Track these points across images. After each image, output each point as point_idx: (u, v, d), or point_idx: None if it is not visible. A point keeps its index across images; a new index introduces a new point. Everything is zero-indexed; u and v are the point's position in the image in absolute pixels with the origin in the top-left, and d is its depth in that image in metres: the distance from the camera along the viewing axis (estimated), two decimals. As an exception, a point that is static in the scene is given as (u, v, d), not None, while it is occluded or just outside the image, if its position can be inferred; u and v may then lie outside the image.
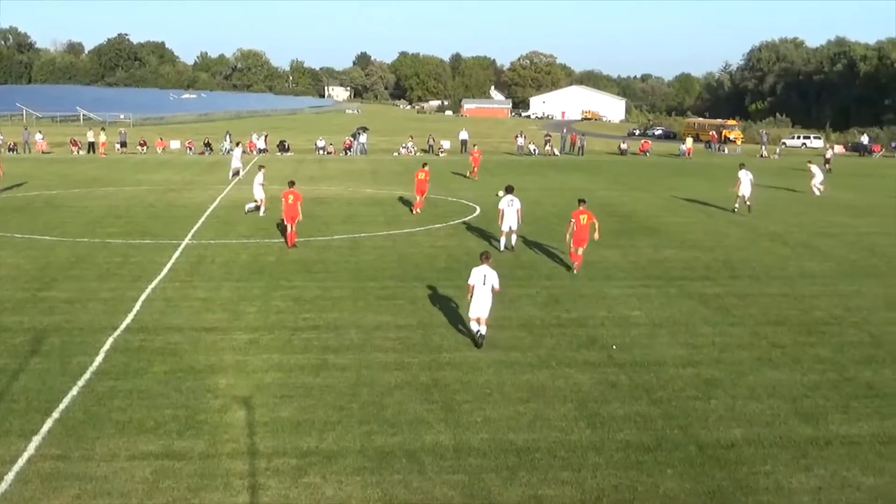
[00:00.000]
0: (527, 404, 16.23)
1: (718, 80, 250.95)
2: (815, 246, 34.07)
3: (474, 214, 40.88)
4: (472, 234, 35.03)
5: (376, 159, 77.86)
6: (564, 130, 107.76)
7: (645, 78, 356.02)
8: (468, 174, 59.95)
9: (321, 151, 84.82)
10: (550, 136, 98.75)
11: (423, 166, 42.86)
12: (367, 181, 57.21)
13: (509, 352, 19.43)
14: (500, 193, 33.53)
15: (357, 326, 21.26)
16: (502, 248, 31.51)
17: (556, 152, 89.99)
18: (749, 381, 17.77)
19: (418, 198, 41.81)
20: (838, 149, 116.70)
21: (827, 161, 75.04)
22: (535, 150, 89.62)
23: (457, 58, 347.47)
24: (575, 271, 27.94)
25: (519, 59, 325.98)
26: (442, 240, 33.76)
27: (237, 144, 64.77)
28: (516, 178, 54.00)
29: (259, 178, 39.70)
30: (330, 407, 15.93)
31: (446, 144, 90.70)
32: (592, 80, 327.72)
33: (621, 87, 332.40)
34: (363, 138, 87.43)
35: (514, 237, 31.93)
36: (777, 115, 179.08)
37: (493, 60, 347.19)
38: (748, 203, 44.01)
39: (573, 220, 27.94)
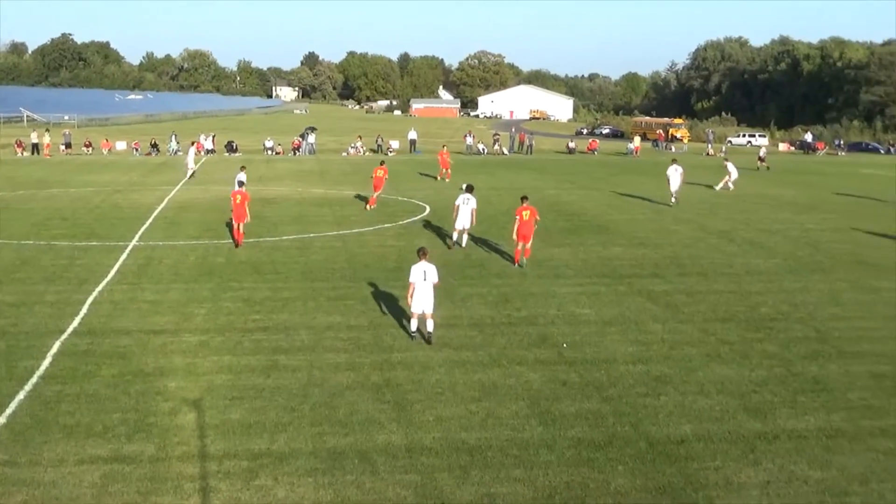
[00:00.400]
0: (479, 403, 16.25)
1: (665, 80, 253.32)
2: (761, 243, 34.48)
3: (424, 214, 40.89)
4: (422, 234, 35.01)
5: (325, 159, 77.60)
6: (513, 130, 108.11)
7: (592, 77, 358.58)
8: (439, 177, 59.10)
9: (269, 152, 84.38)
10: (499, 135, 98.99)
11: (381, 164, 44.45)
12: (316, 181, 57.00)
13: (461, 351, 19.44)
14: (463, 187, 33.85)
15: (308, 327, 21.17)
16: (453, 242, 31.94)
17: (505, 151, 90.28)
18: (698, 378, 17.94)
19: (374, 194, 42.72)
20: (783, 147, 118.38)
21: (761, 159, 75.64)
22: (483, 149, 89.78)
23: (405, 57, 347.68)
24: (516, 264, 28.57)
25: (467, 59, 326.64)
26: (391, 239, 33.72)
27: (192, 144, 64.18)
28: (465, 178, 53.96)
29: (241, 177, 39.66)
30: (281, 408, 15.84)
31: (395, 144, 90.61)
32: (540, 79, 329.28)
33: (569, 86, 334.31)
34: (311, 138, 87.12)
35: (465, 236, 32.11)
36: (723, 113, 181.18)
37: (442, 60, 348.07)
38: (674, 198, 45.57)
39: (517, 216, 28.57)
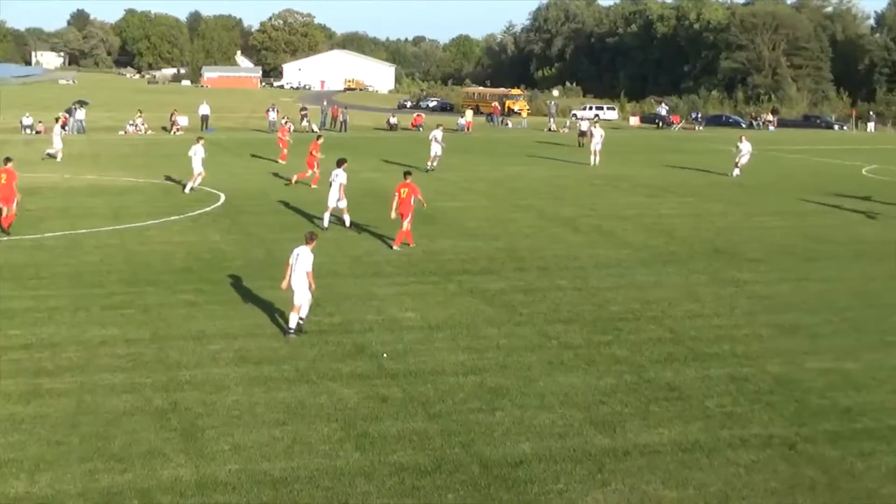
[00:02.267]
0: (283, 427, 16.16)
1: (501, 44, 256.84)
2: (610, 231, 35.41)
3: (218, 203, 40.38)
4: (216, 227, 34.59)
5: (98, 139, 75.80)
6: (325, 103, 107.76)
7: (417, 41, 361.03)
8: (278, 159, 58.08)
9: (28, 131, 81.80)
10: (308, 109, 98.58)
11: (318, 139, 46.93)
12: (88, 166, 55.63)
13: (262, 365, 19.30)
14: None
15: (78, 343, 20.64)
16: (325, 224, 33.95)
17: (315, 128, 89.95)
18: (539, 388, 18.27)
19: (310, 172, 45.48)
20: (634, 121, 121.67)
21: (582, 134, 76.58)
22: (290, 126, 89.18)
23: (195, 17, 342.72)
24: (396, 247, 31.00)
25: (270, 19, 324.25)
26: (179, 234, 33.20)
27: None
28: (264, 160, 53.67)
29: (198, 150, 43.40)
30: (44, 442, 15.40)
31: (183, 121, 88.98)
32: (357, 43, 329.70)
33: (390, 51, 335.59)
34: (80, 114, 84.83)
35: (346, 217, 34.45)
36: (567, 83, 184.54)
37: (240, 20, 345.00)
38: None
39: (396, 193, 31.41)
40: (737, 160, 56.36)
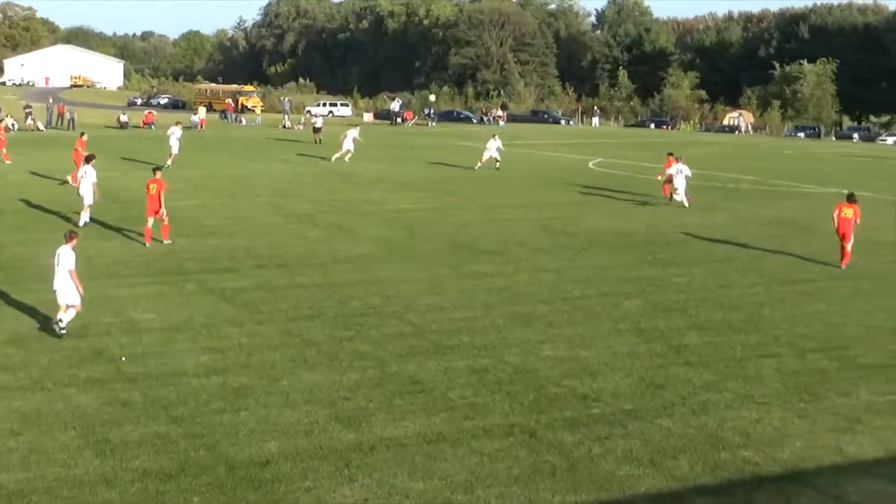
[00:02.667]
0: (18, 437, 15.52)
1: (232, 40, 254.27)
2: (350, 226, 35.53)
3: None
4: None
5: None
6: (50, 100, 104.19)
7: (146, 36, 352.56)
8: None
9: None
10: (32, 107, 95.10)
11: (82, 136, 46.96)
12: None
13: (-7, 374, 18.52)
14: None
15: None
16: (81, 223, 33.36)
17: (41, 127, 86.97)
18: (283, 387, 18.17)
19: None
20: (368, 117, 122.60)
21: (317, 130, 76.52)
22: (14, 124, 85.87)
23: None
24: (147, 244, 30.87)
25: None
26: None
27: None
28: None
29: (177, 131, 44.37)
30: None
31: None
32: (83, 38, 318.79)
33: (118, 47, 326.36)
34: None
35: (83, 216, 33.97)
36: (301, 79, 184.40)
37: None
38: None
39: (147, 189, 31.33)
40: (483, 156, 57.54)
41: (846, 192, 33.19)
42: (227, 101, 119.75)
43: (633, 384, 18.78)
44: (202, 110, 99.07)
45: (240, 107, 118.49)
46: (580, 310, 24.32)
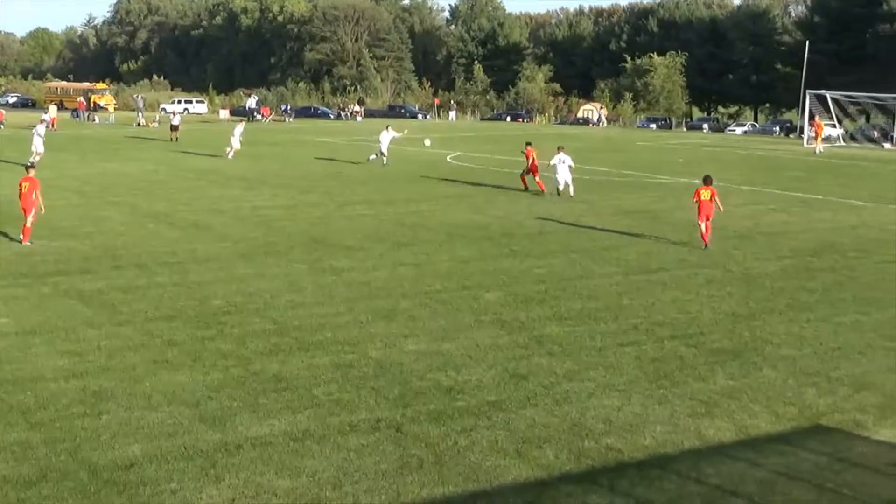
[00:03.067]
0: None
1: (82, 37, 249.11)
2: (207, 225, 35.15)
3: None
4: None
5: None
6: None
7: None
8: None
9: None
10: None
11: None
12: None
13: None
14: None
15: None
16: None
17: None
18: (145, 388, 17.89)
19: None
20: (224, 114, 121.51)
21: (174, 128, 75.75)
22: None
23: None
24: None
25: None
26: None
27: None
28: None
29: (40, 129, 41.92)
30: None
31: None
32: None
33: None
34: None
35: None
36: (154, 76, 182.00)
37: None
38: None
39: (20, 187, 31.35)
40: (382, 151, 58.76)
41: (703, 176, 34.13)
42: (78, 99, 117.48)
43: (496, 376, 18.96)
44: (53, 109, 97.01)
45: (92, 105, 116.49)
46: (442, 303, 24.46)
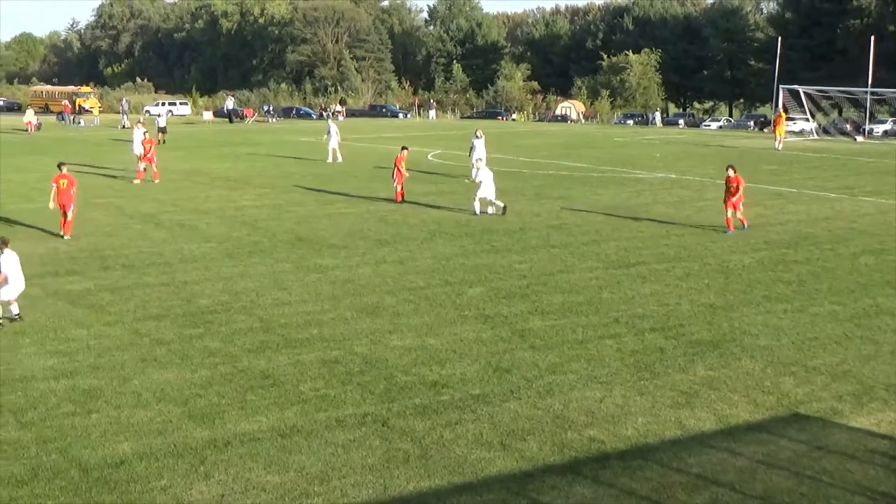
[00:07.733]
0: None
1: (67, 41, 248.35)
2: (193, 225, 35.05)
3: None
4: None
5: None
6: None
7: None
8: None
9: None
10: None
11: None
12: None
13: None
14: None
15: None
16: None
17: None
18: (134, 387, 17.86)
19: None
20: (208, 115, 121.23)
21: (162, 130, 74.70)
22: None
23: None
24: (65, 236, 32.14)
25: None
26: None
27: None
28: None
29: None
30: None
31: None
32: None
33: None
34: None
35: None
36: (138, 79, 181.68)
37: None
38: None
39: (54, 184, 32.55)
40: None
41: (727, 166, 35.80)
42: (64, 102, 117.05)
43: (480, 370, 18.98)
44: (30, 112, 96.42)
45: (77, 108, 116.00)
46: (425, 299, 24.45)
